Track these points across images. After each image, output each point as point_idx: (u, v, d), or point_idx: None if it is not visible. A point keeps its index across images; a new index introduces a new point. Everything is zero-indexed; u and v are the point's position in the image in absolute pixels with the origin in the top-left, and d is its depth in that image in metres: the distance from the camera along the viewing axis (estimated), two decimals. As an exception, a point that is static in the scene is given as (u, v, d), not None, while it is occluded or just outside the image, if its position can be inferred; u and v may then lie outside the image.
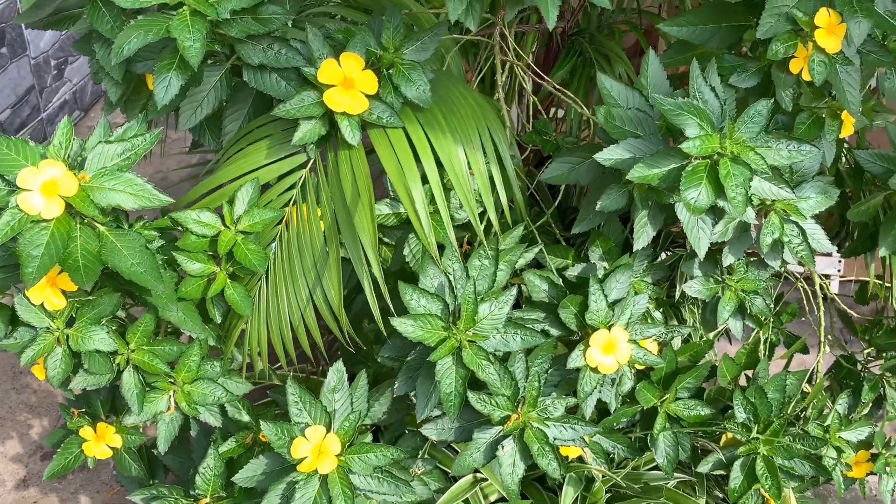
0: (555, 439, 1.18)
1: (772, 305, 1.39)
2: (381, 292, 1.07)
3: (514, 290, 1.09)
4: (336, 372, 1.15)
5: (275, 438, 1.09)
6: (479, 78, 1.46)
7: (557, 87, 1.42)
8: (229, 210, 1.04)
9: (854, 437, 1.46)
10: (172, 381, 1.08)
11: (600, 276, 1.29)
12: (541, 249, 1.31)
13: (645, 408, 1.42)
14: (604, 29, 1.69)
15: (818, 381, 1.53)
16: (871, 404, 1.62)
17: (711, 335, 1.63)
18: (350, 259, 1.27)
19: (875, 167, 1.27)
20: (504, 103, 1.34)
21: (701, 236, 1.10)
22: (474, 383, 1.13)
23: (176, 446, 1.32)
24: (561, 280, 1.32)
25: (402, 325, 1.03)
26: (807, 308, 1.64)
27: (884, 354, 1.60)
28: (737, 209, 0.98)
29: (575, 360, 1.18)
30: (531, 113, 1.47)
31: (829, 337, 1.78)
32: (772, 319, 1.70)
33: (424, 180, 1.10)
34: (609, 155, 1.06)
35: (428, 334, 1.04)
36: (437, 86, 1.15)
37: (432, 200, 1.13)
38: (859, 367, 1.71)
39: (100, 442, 1.31)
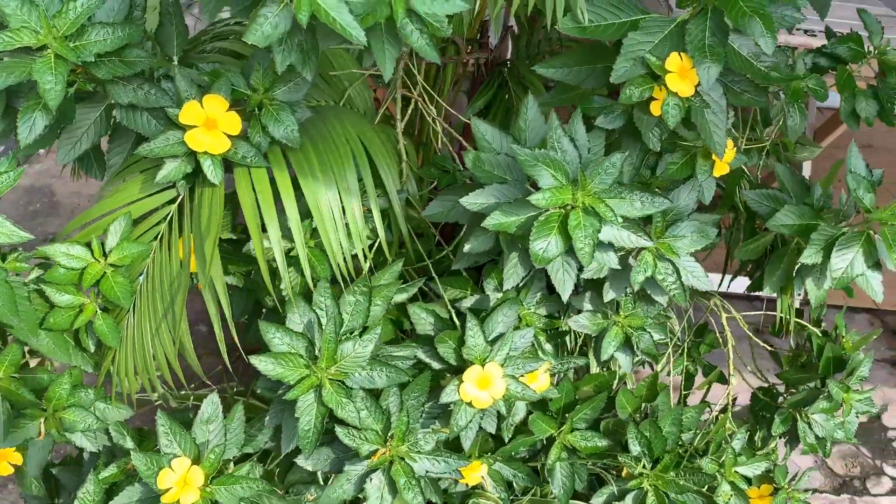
0: (426, 472, 1.20)
1: (665, 340, 1.40)
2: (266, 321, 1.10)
3: (378, 329, 1.11)
4: (210, 403, 1.18)
5: (144, 468, 1.12)
6: (386, 108, 1.48)
7: (468, 120, 1.44)
8: (97, 243, 1.07)
9: (751, 472, 1.46)
10: (43, 408, 1.11)
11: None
12: (433, 279, 1.33)
13: (542, 438, 1.44)
14: (528, 59, 1.70)
15: (724, 415, 1.54)
16: (779, 437, 1.62)
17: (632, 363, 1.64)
18: (240, 287, 1.30)
19: (762, 207, 1.28)
20: (402, 137, 1.36)
21: (565, 278, 1.12)
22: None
23: (80, 466, 1.36)
24: (454, 312, 1.34)
25: (260, 362, 1.06)
26: (721, 340, 1.65)
27: (792, 389, 1.60)
28: (583, 260, 1.00)
29: (449, 395, 1.20)
30: (440, 145, 1.49)
31: (749, 367, 1.79)
32: (686, 349, 1.72)
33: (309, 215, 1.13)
34: (474, 199, 1.08)
35: (288, 372, 1.07)
36: (318, 124, 1.18)
37: (314, 233, 1.16)
38: (781, 399, 1.72)
39: (2, 460, 1.34)
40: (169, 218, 1.09)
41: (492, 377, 1.21)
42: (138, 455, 1.12)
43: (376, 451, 1.16)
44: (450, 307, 1.36)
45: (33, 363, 1.20)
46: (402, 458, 1.17)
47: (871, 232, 1.17)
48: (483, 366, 1.21)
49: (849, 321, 3.14)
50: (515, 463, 1.45)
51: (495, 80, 1.65)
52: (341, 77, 1.38)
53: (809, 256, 1.17)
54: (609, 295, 1.26)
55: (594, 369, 1.63)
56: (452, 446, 1.30)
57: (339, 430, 1.13)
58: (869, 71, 1.60)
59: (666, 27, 1.06)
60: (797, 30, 2.28)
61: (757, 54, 1.11)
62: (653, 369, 1.75)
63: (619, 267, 1.12)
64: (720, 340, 1.69)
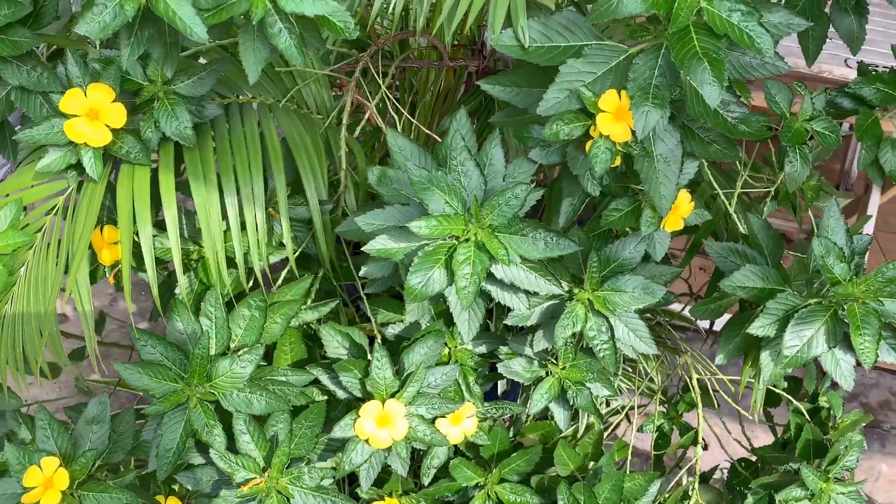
0: (310, 510, 1.11)
1: (614, 396, 1.25)
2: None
3: (260, 350, 1.03)
4: (98, 404, 1.12)
5: (15, 462, 1.07)
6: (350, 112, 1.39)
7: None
8: (-20, 229, 1.03)
9: (697, 557, 1.30)
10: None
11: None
12: (361, 300, 1.24)
13: (471, 485, 1.32)
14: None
15: (679, 487, 1.38)
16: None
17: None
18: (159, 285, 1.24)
19: (726, 264, 1.12)
20: (347, 143, 1.27)
21: (470, 318, 1.00)
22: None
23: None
24: (381, 338, 1.24)
25: (125, 370, 0.99)
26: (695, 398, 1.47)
27: (766, 467, 1.42)
28: (463, 301, 0.88)
29: (343, 430, 1.10)
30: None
31: (733, 434, 1.61)
32: (661, 405, 1.56)
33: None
34: (371, 220, 0.98)
35: (154, 384, 1.00)
36: (235, 122, 1.10)
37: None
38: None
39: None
40: (56, 210, 1.04)
41: (393, 415, 1.11)
42: (11, 447, 1.07)
43: (251, 479, 1.07)
44: (377, 332, 1.26)
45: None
46: (280, 492, 1.08)
47: (842, 308, 1.00)
48: (383, 402, 1.11)
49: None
50: (441, 507, 1.34)
51: (480, 92, 1.53)
52: (295, 74, 1.31)
53: (761, 328, 1.01)
54: (540, 344, 1.13)
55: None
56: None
57: (214, 453, 1.06)
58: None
59: (613, 59, 0.92)
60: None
61: (726, 102, 0.95)
62: (631, 420, 1.60)
63: (527, 312, 0.99)
64: (701, 399, 1.52)
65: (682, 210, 1.05)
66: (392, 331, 1.25)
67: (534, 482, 1.32)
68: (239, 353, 1.03)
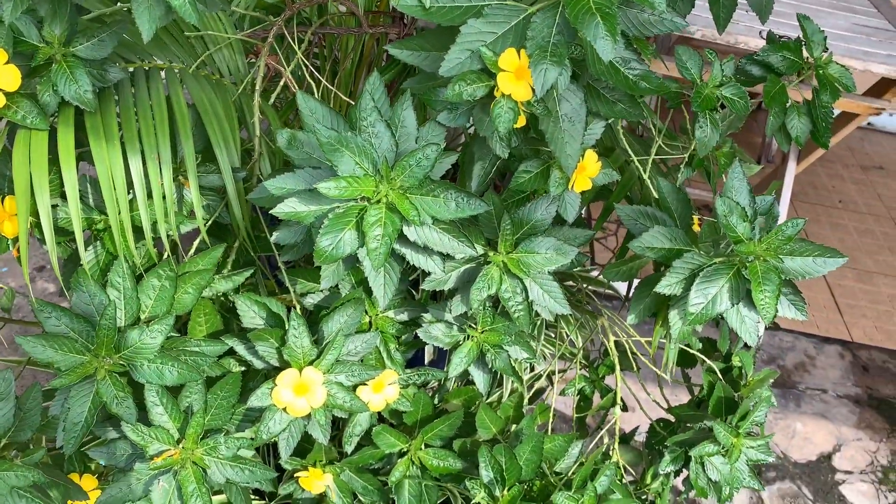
0: (227, 480, 1.09)
1: (533, 359, 1.27)
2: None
3: (170, 320, 1.01)
4: (1, 381, 1.08)
5: (-88, 443, 1.03)
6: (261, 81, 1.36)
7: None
8: None
9: (614, 514, 1.33)
10: None
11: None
12: (280, 270, 1.22)
13: (395, 451, 1.32)
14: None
15: (599, 448, 1.41)
16: (674, 476, 1.49)
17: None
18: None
19: (636, 226, 1.14)
20: (261, 109, 1.25)
21: (385, 282, 1.00)
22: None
23: None
24: (300, 307, 1.23)
25: (28, 343, 0.96)
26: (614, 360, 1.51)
27: (682, 425, 1.47)
28: (374, 263, 0.88)
29: (260, 399, 1.09)
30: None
31: (651, 394, 1.65)
32: (582, 371, 1.59)
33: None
34: (281, 184, 0.96)
35: (59, 357, 0.97)
36: (141, 87, 1.07)
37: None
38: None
39: None
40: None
41: (311, 383, 1.10)
42: None
43: (165, 451, 1.06)
44: (296, 301, 1.25)
45: None
46: (195, 463, 1.07)
47: (744, 266, 1.03)
48: (301, 370, 1.10)
49: (818, 352, 2.97)
50: (366, 475, 1.35)
51: (399, 61, 1.52)
52: (208, 40, 1.27)
53: (668, 286, 1.03)
54: (458, 308, 1.14)
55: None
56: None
57: (125, 425, 1.03)
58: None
59: (513, 18, 0.92)
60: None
61: (626, 59, 0.97)
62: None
63: (443, 275, 1.00)
64: (620, 361, 1.56)
65: (590, 170, 1.07)
66: (312, 300, 1.24)
67: (457, 446, 1.33)
68: (149, 323, 1.01)
